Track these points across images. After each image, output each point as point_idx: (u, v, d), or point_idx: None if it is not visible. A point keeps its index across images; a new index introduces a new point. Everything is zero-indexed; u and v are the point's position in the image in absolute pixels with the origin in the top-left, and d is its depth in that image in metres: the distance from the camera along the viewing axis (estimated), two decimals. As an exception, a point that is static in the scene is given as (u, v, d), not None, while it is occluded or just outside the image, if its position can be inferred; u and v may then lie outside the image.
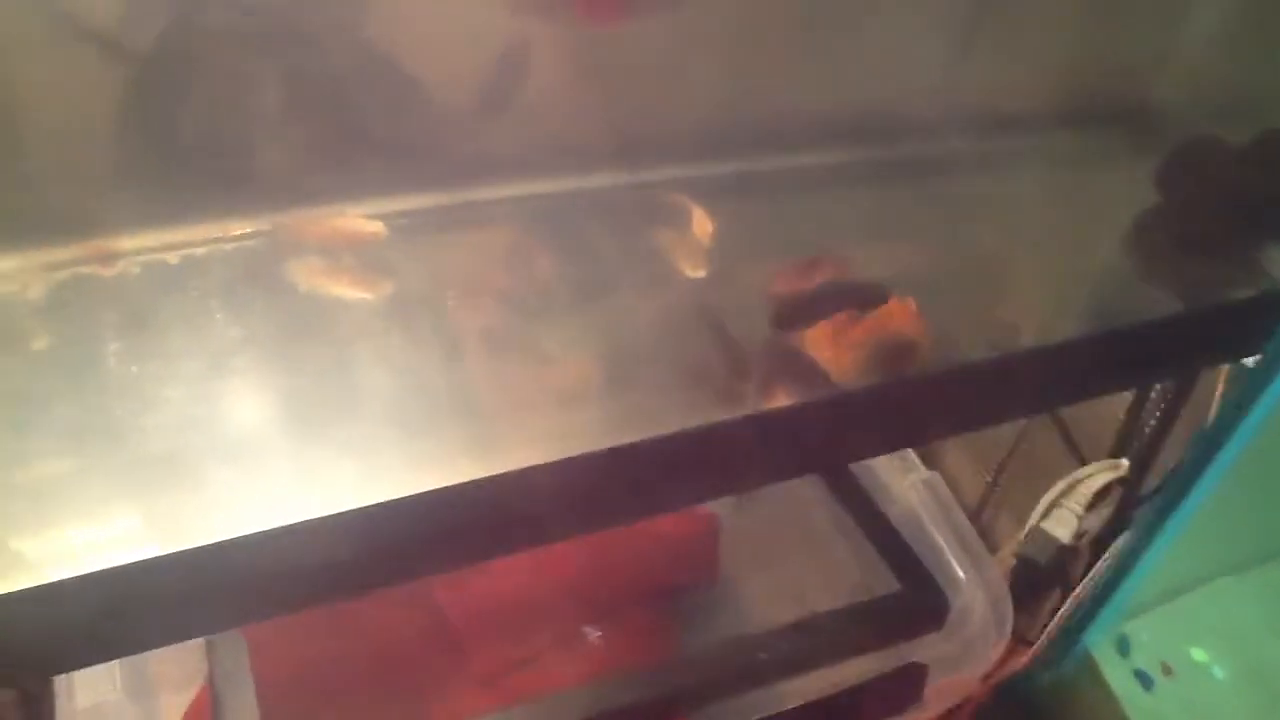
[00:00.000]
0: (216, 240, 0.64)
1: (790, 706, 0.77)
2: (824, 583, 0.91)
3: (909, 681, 0.80)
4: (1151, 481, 0.94)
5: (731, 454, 0.59)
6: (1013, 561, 0.96)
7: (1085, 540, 0.95)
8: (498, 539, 0.55)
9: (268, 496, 0.48)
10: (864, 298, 0.64)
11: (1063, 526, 0.94)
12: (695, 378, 0.60)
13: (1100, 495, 0.95)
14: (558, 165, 0.67)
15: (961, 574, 0.91)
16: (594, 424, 0.56)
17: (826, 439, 0.65)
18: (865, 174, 0.74)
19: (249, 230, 0.64)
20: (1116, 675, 0.89)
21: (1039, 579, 0.94)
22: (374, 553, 0.50)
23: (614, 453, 0.53)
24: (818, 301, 0.62)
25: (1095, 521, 0.96)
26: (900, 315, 0.64)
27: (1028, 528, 0.95)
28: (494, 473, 0.51)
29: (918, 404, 0.65)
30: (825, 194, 0.73)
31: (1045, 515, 0.95)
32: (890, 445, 0.83)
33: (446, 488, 0.50)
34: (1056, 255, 0.76)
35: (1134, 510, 0.94)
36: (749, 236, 0.70)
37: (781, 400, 0.59)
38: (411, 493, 0.49)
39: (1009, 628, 0.89)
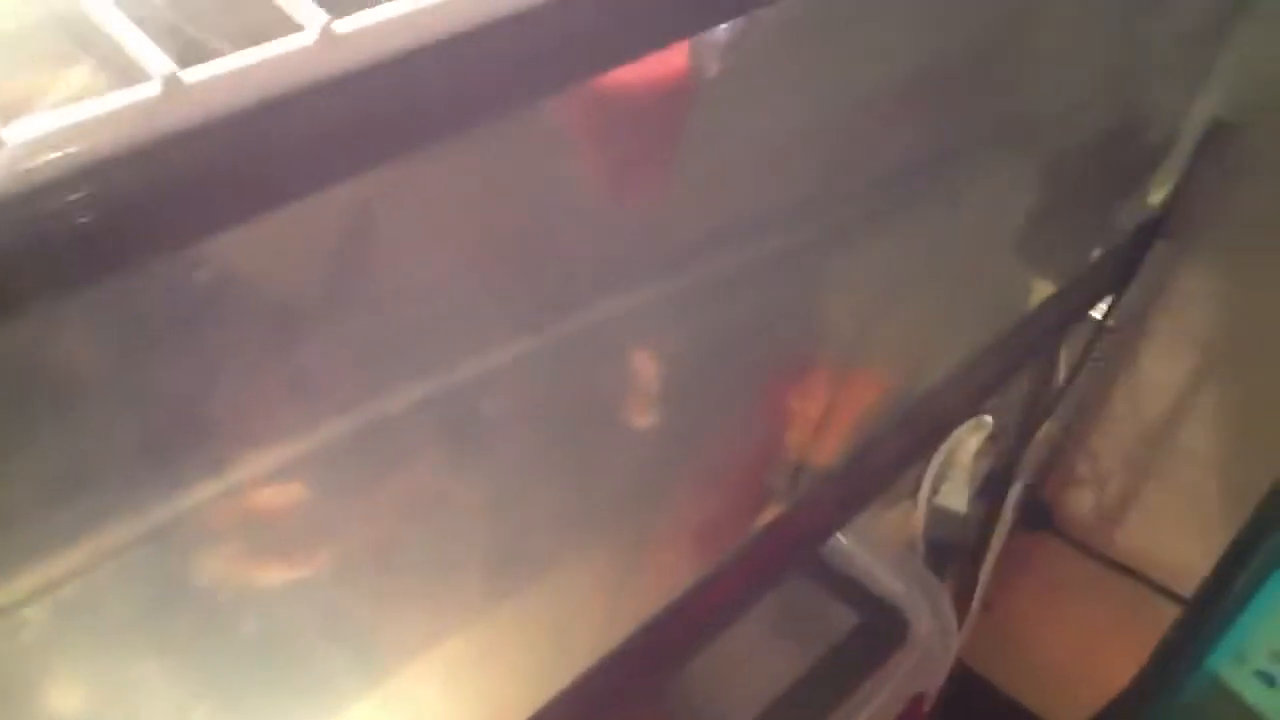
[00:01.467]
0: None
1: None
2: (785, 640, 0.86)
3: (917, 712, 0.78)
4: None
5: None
6: (919, 547, 0.95)
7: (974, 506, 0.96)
8: None
9: None
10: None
11: (956, 497, 0.95)
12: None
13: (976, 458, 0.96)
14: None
15: (898, 584, 0.89)
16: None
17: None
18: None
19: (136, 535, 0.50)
20: (1239, 681, 0.89)
21: (952, 555, 0.94)
22: None
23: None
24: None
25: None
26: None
27: (922, 510, 0.95)
28: None
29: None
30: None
31: (933, 494, 0.95)
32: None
33: None
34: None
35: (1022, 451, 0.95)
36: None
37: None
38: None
39: (954, 622, 0.89)
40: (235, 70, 0.28)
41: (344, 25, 0.30)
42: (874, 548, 0.90)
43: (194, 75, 0.27)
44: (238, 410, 0.49)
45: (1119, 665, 1.00)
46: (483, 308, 0.54)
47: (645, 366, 0.59)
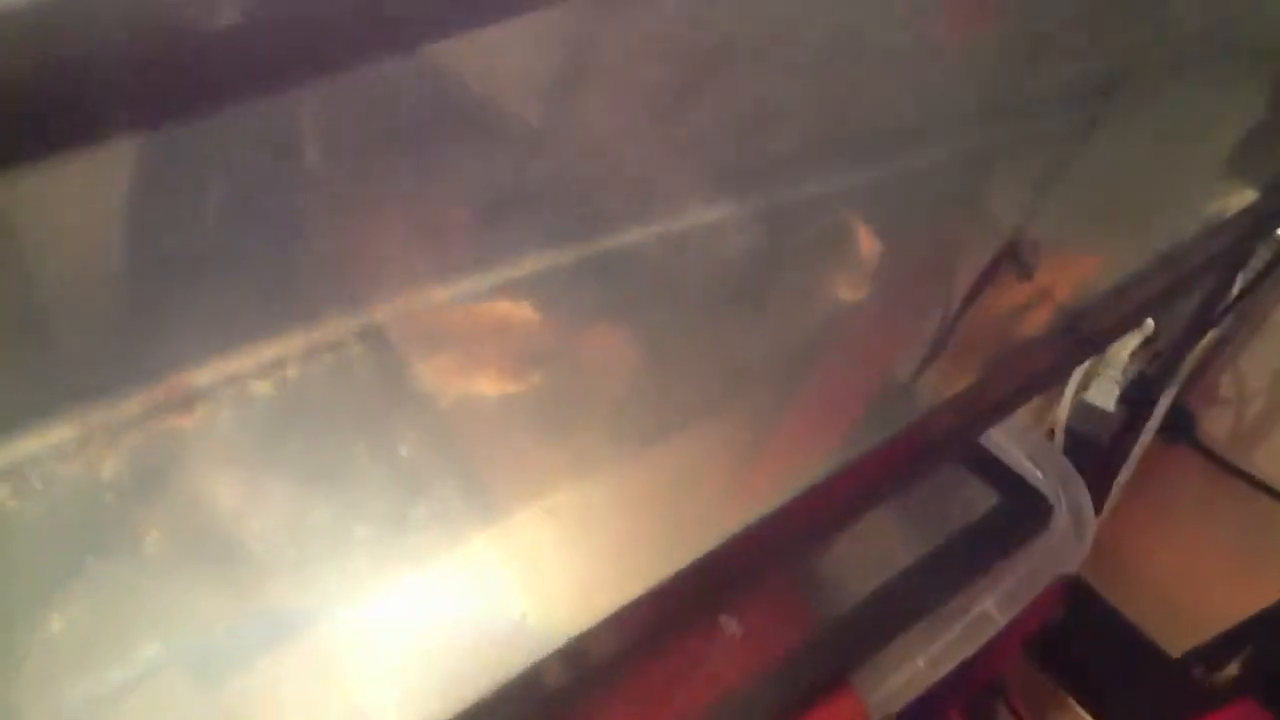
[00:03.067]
0: (311, 352, 0.50)
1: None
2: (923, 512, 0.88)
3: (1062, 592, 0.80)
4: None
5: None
6: (1060, 439, 0.95)
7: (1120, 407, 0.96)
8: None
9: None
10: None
11: (1105, 395, 0.94)
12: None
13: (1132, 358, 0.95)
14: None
15: (1038, 470, 0.89)
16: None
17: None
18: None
19: (351, 331, 0.51)
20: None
21: (1095, 452, 0.94)
22: None
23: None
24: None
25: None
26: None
27: (1069, 401, 0.95)
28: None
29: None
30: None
31: (1083, 388, 0.95)
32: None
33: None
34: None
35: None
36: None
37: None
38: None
39: (1091, 515, 0.89)
40: None
41: None
42: (1016, 432, 0.90)
43: None
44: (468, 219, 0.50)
45: (1234, 586, 1.00)
46: (718, 159, 0.54)
47: (868, 241, 0.59)
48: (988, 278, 0.69)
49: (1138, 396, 0.95)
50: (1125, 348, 0.94)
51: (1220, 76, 0.77)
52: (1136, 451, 0.97)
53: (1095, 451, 0.95)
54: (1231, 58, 0.76)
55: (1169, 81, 0.72)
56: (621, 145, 0.52)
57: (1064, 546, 0.83)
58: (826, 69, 0.53)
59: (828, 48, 0.50)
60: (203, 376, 0.47)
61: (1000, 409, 0.75)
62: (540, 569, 0.53)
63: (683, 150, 0.54)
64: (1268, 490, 1.00)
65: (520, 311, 0.53)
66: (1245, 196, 0.82)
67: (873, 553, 0.82)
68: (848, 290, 0.63)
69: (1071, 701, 1.13)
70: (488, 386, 0.54)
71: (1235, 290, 0.91)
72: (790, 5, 0.46)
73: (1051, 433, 0.95)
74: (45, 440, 0.44)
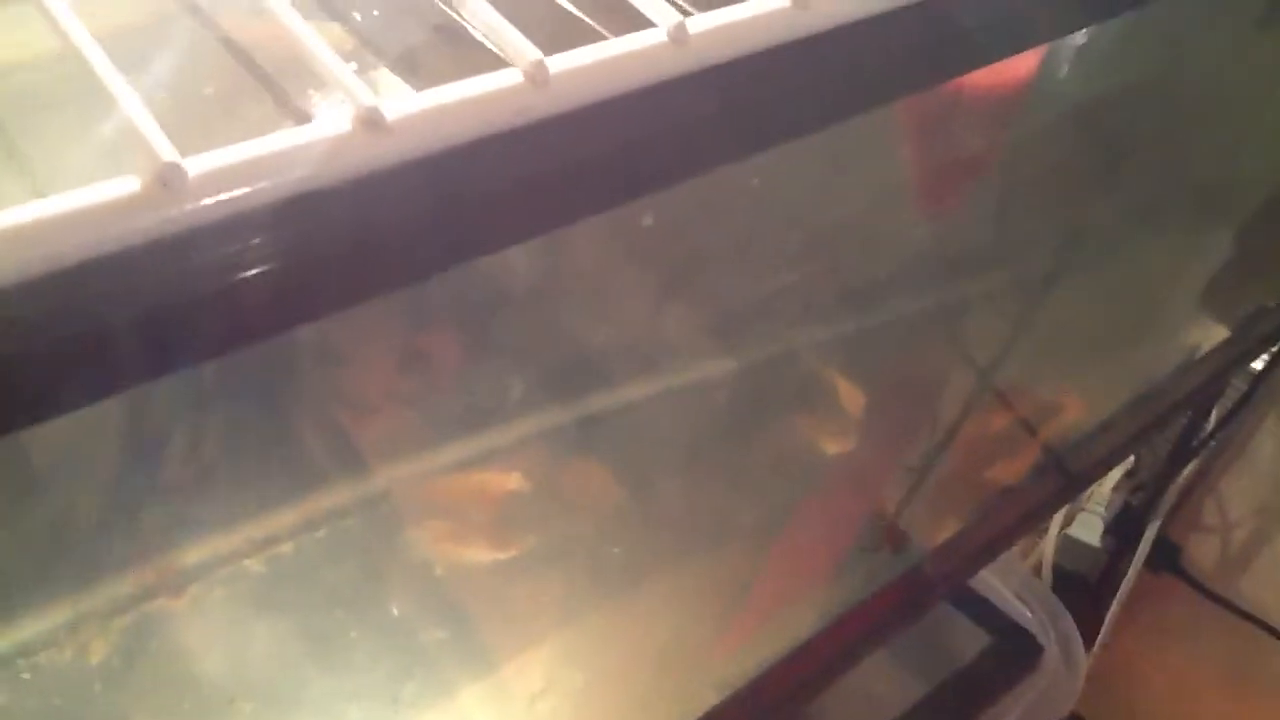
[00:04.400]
0: (304, 528, 0.51)
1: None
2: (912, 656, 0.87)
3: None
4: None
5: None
6: (1047, 576, 0.96)
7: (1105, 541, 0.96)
8: None
9: None
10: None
11: (1089, 530, 0.95)
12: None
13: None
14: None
15: (1026, 610, 0.89)
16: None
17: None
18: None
19: (343, 505, 0.51)
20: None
21: (1083, 586, 0.94)
22: None
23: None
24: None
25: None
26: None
27: (1054, 538, 0.95)
28: None
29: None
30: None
31: (1067, 524, 0.95)
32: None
33: None
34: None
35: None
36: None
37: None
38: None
39: (1082, 653, 0.89)
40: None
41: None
42: (1003, 570, 0.90)
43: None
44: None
45: (1226, 717, 1.00)
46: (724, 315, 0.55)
47: (850, 393, 0.60)
48: (969, 422, 0.70)
49: (1122, 529, 0.96)
50: (1108, 482, 0.95)
51: (1190, 219, 0.79)
52: (1127, 583, 0.97)
53: (1083, 586, 0.95)
54: (1200, 201, 0.79)
55: (1137, 229, 0.74)
56: (609, 306, 0.53)
57: (1057, 686, 0.83)
58: (807, 240, 0.54)
59: (808, 225, 0.52)
60: (194, 556, 0.47)
61: (988, 552, 0.75)
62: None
63: (669, 312, 0.55)
64: (1252, 619, 1.00)
65: (509, 481, 0.53)
66: (1218, 334, 0.84)
67: (864, 702, 0.81)
68: (831, 442, 0.64)
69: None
70: (479, 555, 0.54)
71: (1212, 423, 0.92)
72: (775, 193, 0.48)
73: (1038, 570, 0.95)
74: (36, 628, 0.43)
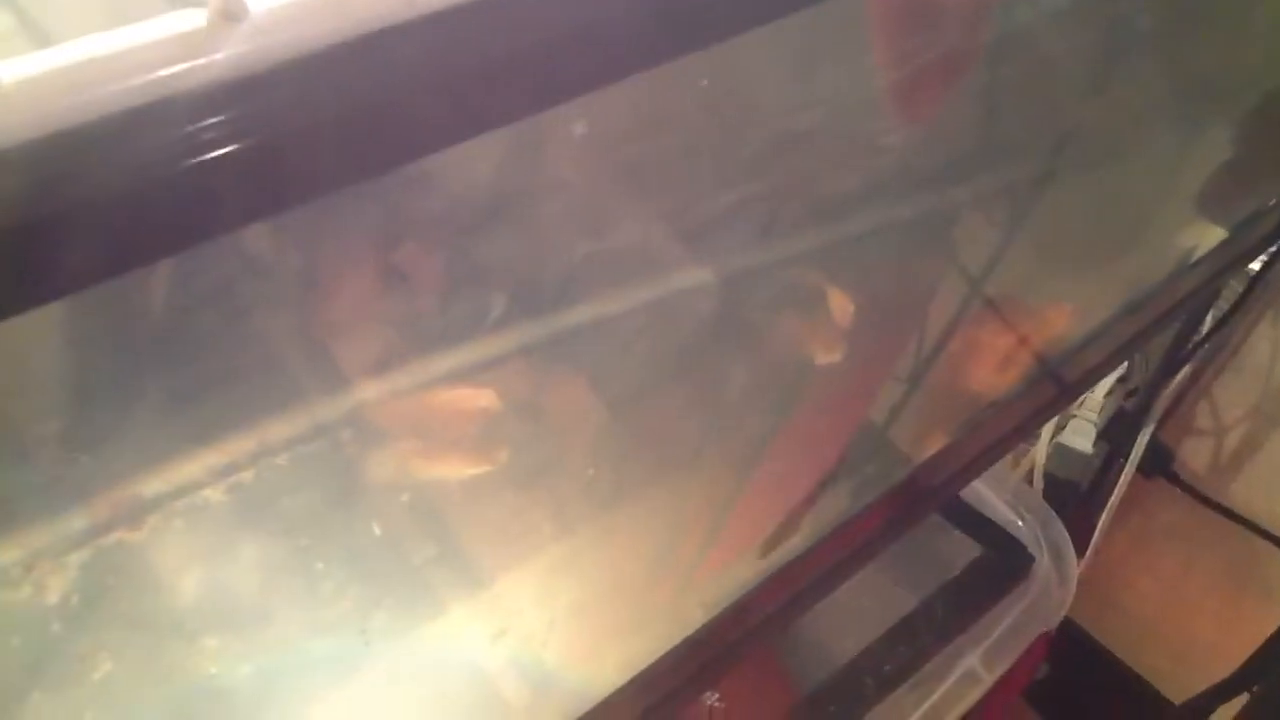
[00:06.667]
0: (263, 453, 0.48)
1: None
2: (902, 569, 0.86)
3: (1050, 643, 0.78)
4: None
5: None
6: (1039, 483, 0.94)
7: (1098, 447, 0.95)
8: None
9: None
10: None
11: (1081, 437, 0.93)
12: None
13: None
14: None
15: (1016, 519, 0.88)
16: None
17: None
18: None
19: (304, 430, 0.49)
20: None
21: (1074, 493, 0.93)
22: None
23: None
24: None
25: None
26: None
27: (1045, 445, 0.94)
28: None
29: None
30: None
31: (1059, 431, 0.94)
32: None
33: None
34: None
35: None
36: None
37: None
38: None
39: (1074, 560, 0.88)
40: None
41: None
42: (994, 479, 0.89)
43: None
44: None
45: (1220, 620, 1.00)
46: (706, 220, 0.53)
47: (840, 302, 0.57)
48: (961, 330, 0.68)
49: (1115, 435, 0.94)
50: (1101, 388, 0.93)
51: (1186, 120, 0.77)
52: (1116, 490, 0.96)
53: (1075, 493, 0.94)
54: (1196, 100, 0.76)
55: (1131, 131, 0.71)
56: (584, 215, 0.51)
57: (1047, 594, 0.82)
58: (791, 144, 0.52)
59: (792, 127, 0.49)
60: (152, 486, 0.45)
61: (980, 462, 0.74)
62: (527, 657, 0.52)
63: (648, 218, 0.52)
64: (1245, 523, 0.99)
65: (481, 398, 0.51)
66: (1215, 235, 0.82)
67: (853, 615, 0.80)
68: (822, 352, 0.62)
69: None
70: (452, 474, 0.52)
71: (1207, 325, 0.90)
72: (760, 94, 0.45)
73: (1029, 478, 0.94)
74: (-13, 567, 0.42)
